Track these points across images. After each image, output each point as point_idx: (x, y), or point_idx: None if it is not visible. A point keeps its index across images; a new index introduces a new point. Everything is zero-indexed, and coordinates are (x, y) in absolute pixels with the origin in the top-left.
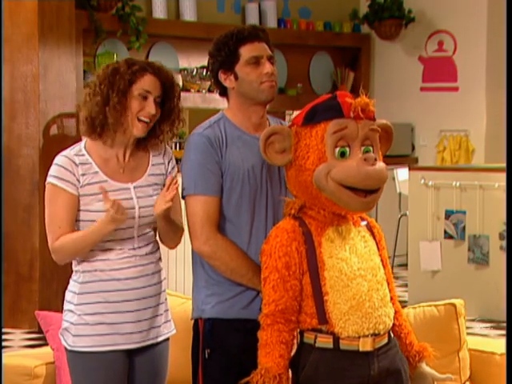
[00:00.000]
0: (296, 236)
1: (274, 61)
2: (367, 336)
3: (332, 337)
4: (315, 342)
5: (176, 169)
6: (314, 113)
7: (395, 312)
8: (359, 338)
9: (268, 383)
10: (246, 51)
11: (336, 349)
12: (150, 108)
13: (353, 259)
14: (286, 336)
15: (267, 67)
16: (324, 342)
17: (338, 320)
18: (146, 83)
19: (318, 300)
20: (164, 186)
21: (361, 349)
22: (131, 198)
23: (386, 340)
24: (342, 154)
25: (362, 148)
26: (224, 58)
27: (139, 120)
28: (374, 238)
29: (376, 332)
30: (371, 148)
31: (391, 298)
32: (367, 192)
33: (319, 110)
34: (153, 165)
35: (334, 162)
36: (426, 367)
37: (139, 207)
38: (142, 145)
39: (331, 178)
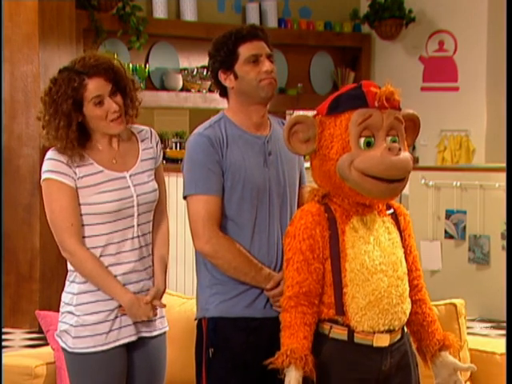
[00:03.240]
0: (321, 220)
1: (274, 59)
2: (382, 332)
3: (347, 329)
4: (330, 332)
5: (162, 153)
6: (338, 102)
7: (419, 300)
8: (374, 333)
9: (295, 364)
10: (245, 50)
11: (350, 341)
12: (111, 107)
13: (375, 253)
14: (310, 318)
15: (266, 65)
16: (339, 333)
17: (355, 314)
18: (93, 90)
19: (337, 291)
20: (155, 170)
21: (375, 344)
22: (128, 187)
23: (399, 336)
24: (367, 144)
25: (388, 138)
26: (223, 57)
27: (111, 120)
28: (399, 227)
29: (391, 328)
30: (396, 138)
31: (416, 286)
32: (391, 181)
33: (343, 99)
34: (143, 150)
35: (357, 152)
36: (447, 356)
37: (137, 195)
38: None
39: (354, 167)
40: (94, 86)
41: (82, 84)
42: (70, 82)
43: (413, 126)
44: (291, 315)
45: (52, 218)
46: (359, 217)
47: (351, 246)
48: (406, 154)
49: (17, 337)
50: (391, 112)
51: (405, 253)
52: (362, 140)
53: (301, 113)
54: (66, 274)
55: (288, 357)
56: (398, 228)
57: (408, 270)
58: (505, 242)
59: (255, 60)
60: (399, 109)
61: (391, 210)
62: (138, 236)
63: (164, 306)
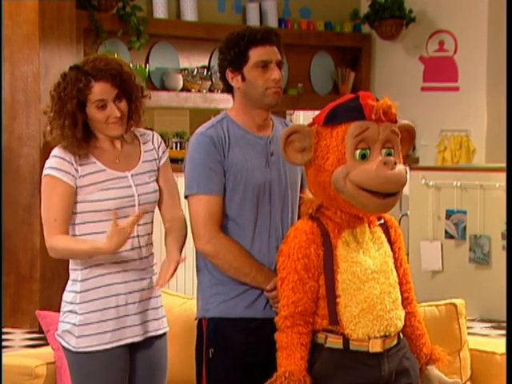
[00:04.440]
0: (315, 238)
1: (283, 65)
2: (377, 338)
3: (342, 337)
4: (325, 342)
5: (167, 153)
6: (336, 113)
7: (409, 313)
8: (369, 339)
9: None
10: (256, 54)
11: (346, 349)
12: (113, 112)
13: (367, 262)
14: (306, 338)
15: (275, 73)
16: (334, 342)
17: (349, 322)
18: (97, 93)
19: (330, 302)
20: (157, 171)
21: (371, 350)
22: (130, 186)
23: (395, 341)
24: (363, 157)
25: (383, 150)
26: (233, 57)
27: (111, 123)
28: (390, 239)
29: (387, 334)
30: (392, 151)
31: (407, 298)
32: (385, 195)
33: (341, 110)
34: (145, 151)
35: (353, 164)
36: (433, 370)
37: (138, 195)
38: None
39: (350, 180)
40: (99, 90)
41: (87, 86)
42: (76, 83)
43: (408, 136)
44: (287, 335)
45: (42, 212)
46: (350, 230)
47: (343, 259)
48: (400, 168)
49: (17, 337)
50: (387, 125)
51: (395, 265)
52: (358, 152)
53: (301, 113)
54: (67, 274)
55: (287, 379)
56: (389, 240)
57: (399, 283)
58: (505, 242)
59: (264, 66)
60: (395, 122)
61: (381, 221)
62: (139, 236)
63: (183, 259)
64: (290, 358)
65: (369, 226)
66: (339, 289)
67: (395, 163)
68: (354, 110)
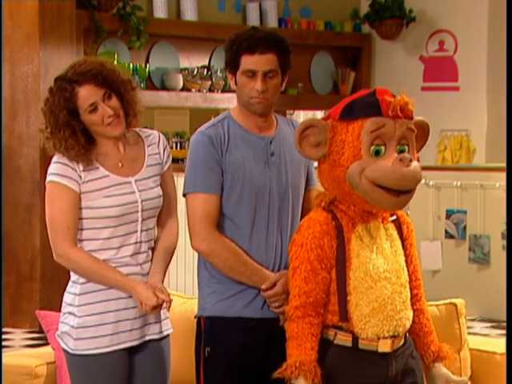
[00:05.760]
0: (329, 229)
1: (275, 74)
2: (386, 338)
3: (351, 335)
4: (334, 338)
5: (171, 157)
6: (352, 108)
7: (418, 310)
8: (378, 339)
9: (304, 376)
10: (245, 62)
11: (355, 348)
12: (105, 112)
13: (379, 260)
14: (316, 329)
15: (258, 85)
16: (343, 339)
17: (359, 321)
18: (85, 98)
19: (341, 298)
20: (162, 175)
21: (379, 350)
22: (133, 192)
23: (402, 341)
24: (377, 153)
25: (397, 147)
26: (229, 60)
27: (107, 124)
28: (402, 235)
29: (395, 334)
30: (406, 147)
31: (416, 295)
32: (400, 192)
33: (357, 105)
34: (149, 155)
35: (368, 160)
36: (441, 368)
37: (141, 200)
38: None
39: (365, 176)
40: (86, 94)
41: (73, 93)
42: (62, 92)
43: (422, 132)
44: (298, 325)
45: (50, 220)
46: (364, 224)
47: (356, 254)
48: (415, 165)
49: (17, 337)
50: (404, 122)
51: (406, 262)
52: (372, 148)
53: (301, 113)
54: (67, 274)
55: (297, 369)
56: (401, 236)
57: (408, 279)
58: (505, 242)
59: (252, 75)
60: (412, 118)
61: (394, 217)
62: (141, 241)
63: (170, 300)
64: (301, 348)
65: (382, 222)
66: (351, 286)
67: (411, 160)
68: (370, 106)
